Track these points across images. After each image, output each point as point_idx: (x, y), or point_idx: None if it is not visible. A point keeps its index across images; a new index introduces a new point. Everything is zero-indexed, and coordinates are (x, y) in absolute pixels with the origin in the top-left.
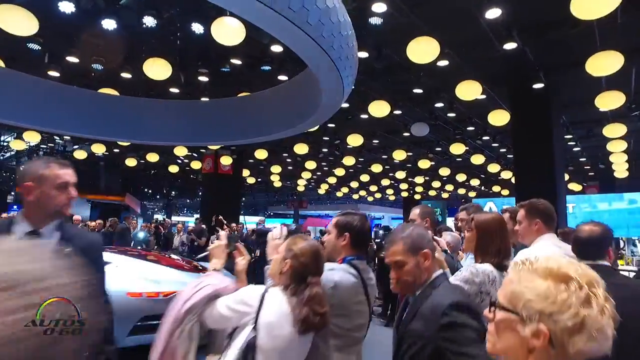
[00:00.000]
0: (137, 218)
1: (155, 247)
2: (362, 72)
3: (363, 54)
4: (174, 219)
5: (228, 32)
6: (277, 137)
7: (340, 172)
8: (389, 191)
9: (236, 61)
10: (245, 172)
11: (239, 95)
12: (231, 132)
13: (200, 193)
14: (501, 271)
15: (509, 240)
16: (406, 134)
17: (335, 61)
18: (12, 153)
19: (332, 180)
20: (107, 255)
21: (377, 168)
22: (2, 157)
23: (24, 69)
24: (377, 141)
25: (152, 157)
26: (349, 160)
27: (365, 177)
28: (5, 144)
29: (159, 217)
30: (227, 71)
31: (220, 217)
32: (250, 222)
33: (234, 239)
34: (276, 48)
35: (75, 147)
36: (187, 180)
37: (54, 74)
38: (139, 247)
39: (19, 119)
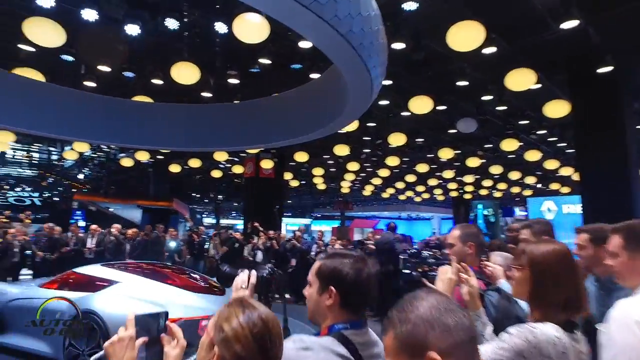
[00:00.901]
0: (186, 222)
1: (188, 256)
2: (400, 65)
3: (399, 45)
4: (222, 222)
5: (251, 29)
6: (307, 139)
7: (384, 172)
8: (437, 191)
9: (265, 61)
10: (288, 175)
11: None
12: (259, 136)
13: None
14: (571, 333)
15: (582, 284)
16: (452, 131)
17: (364, 58)
18: (72, 162)
19: (376, 181)
20: (114, 273)
21: (422, 168)
22: (63, 167)
23: (63, 81)
24: (421, 139)
25: (195, 163)
26: (392, 161)
27: (411, 178)
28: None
29: (209, 220)
30: (257, 72)
31: (256, 223)
32: (296, 224)
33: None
34: (305, 44)
35: (122, 155)
36: (231, 184)
37: (90, 84)
38: (170, 257)
39: (61, 132)
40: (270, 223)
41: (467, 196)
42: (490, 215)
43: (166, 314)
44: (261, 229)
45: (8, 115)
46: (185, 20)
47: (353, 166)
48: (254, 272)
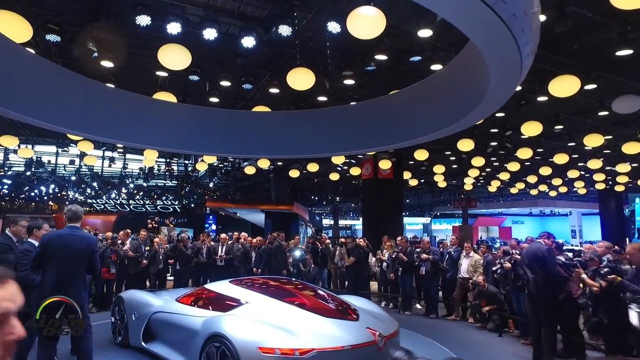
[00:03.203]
0: (307, 226)
1: (313, 265)
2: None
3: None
4: (341, 222)
5: (366, 23)
6: (438, 136)
7: (513, 166)
8: (578, 184)
9: (381, 57)
10: (407, 175)
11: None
12: (385, 136)
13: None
14: None
15: None
16: (603, 113)
17: (515, 33)
18: (203, 172)
19: (504, 176)
20: (243, 292)
21: (561, 158)
22: (196, 177)
23: (191, 100)
24: (560, 127)
25: (313, 167)
26: (524, 153)
27: (546, 170)
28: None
29: (327, 221)
30: (373, 70)
31: (385, 237)
32: (415, 223)
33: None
34: (425, 33)
35: (245, 163)
36: (348, 185)
37: (214, 100)
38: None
39: (192, 148)
40: (391, 225)
41: (619, 188)
42: None
43: None
44: (386, 240)
45: (153, 137)
46: (297, 26)
47: (478, 161)
48: None
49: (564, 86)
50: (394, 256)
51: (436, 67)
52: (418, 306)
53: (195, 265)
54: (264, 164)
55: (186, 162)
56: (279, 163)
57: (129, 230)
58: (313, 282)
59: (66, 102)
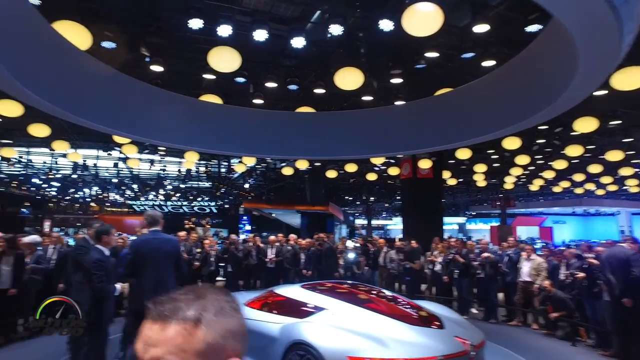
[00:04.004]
0: (342, 225)
1: (366, 268)
2: None
3: None
4: (373, 222)
5: (423, 20)
6: (499, 135)
7: (560, 164)
8: (631, 182)
9: (432, 54)
10: (446, 174)
11: (437, 93)
12: (443, 136)
13: (398, 197)
14: None
15: None
16: None
17: (623, 20)
18: (238, 174)
19: (548, 174)
20: (317, 298)
21: (614, 155)
22: (231, 178)
23: (236, 101)
24: (616, 122)
25: (351, 168)
26: (573, 150)
27: (595, 168)
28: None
29: (360, 221)
30: (423, 68)
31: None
32: (450, 223)
33: None
34: (480, 28)
35: (283, 164)
36: (384, 185)
37: (258, 101)
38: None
39: (235, 149)
40: (431, 225)
41: None
42: None
43: None
44: (437, 241)
45: (196, 139)
46: (345, 25)
47: (522, 160)
48: None
49: (629, 78)
50: (450, 257)
51: (488, 63)
52: (474, 310)
53: (245, 268)
54: (303, 164)
55: (224, 163)
56: (317, 164)
57: (181, 233)
58: None
59: (118, 105)
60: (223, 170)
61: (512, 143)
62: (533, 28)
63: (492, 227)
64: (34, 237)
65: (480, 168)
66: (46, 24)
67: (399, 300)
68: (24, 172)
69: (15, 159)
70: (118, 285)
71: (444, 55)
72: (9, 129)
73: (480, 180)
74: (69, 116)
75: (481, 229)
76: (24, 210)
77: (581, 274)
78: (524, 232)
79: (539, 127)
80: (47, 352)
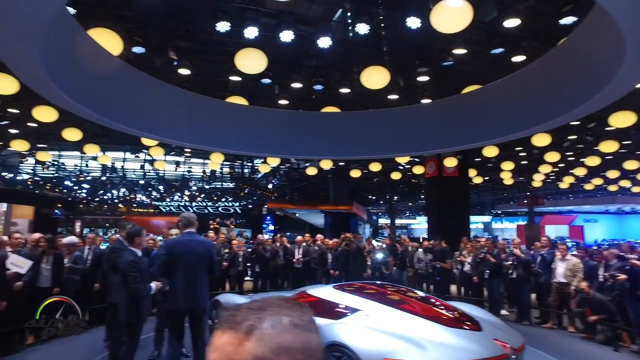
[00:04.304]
0: (365, 225)
1: (395, 268)
2: None
3: None
4: (397, 221)
5: (452, 16)
6: (530, 133)
7: (593, 161)
8: None
9: (459, 51)
10: (472, 172)
11: (465, 90)
12: (470, 135)
13: (422, 195)
14: None
15: None
16: None
17: None
18: (262, 174)
19: (580, 171)
20: (351, 299)
21: None
22: (255, 178)
23: (259, 102)
24: None
25: (375, 167)
26: (608, 146)
27: (631, 164)
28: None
29: (384, 220)
30: (449, 65)
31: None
32: (475, 222)
33: None
34: (510, 23)
35: (306, 164)
36: (408, 184)
37: (283, 102)
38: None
39: (260, 150)
40: (457, 224)
41: None
42: None
43: None
44: (466, 241)
45: (222, 140)
46: (371, 24)
47: (552, 157)
48: None
49: None
50: (480, 257)
51: (518, 58)
52: (504, 312)
53: (272, 268)
54: (327, 164)
55: (248, 164)
56: (341, 163)
57: (210, 234)
58: None
59: (146, 107)
60: (247, 170)
61: (541, 140)
62: (567, 20)
63: (518, 225)
64: (72, 238)
65: (508, 166)
66: (82, 31)
67: (432, 300)
68: (56, 174)
69: (49, 162)
70: (153, 284)
71: (471, 51)
72: (44, 133)
73: (507, 178)
74: (101, 119)
75: (507, 228)
76: (56, 211)
77: (623, 276)
78: (552, 231)
79: (571, 123)
80: (86, 350)
